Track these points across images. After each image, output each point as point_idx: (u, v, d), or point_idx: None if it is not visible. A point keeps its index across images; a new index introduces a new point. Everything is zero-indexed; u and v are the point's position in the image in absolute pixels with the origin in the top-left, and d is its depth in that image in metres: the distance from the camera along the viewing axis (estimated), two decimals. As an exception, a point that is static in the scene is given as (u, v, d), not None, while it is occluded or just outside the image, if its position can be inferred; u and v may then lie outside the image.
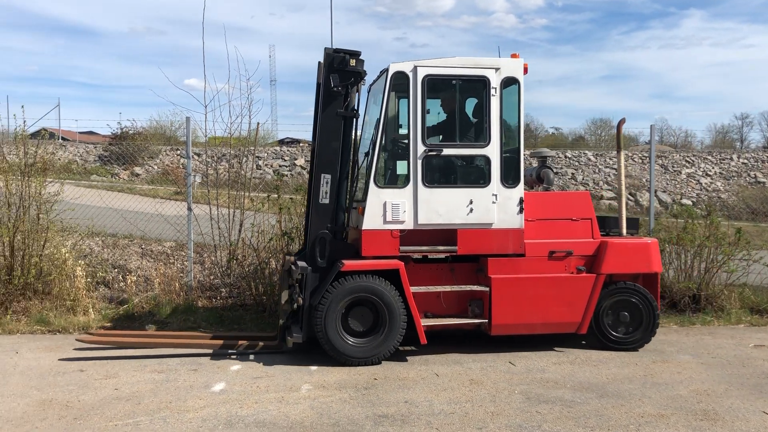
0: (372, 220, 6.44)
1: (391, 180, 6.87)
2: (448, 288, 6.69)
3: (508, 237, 6.65)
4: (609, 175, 26.75)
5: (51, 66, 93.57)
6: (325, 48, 6.62)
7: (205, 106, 9.08)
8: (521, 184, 6.74)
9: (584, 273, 6.83)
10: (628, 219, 7.51)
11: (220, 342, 6.89)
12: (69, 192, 9.48)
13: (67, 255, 8.67)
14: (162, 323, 8.03)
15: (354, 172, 7.15)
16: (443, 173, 6.80)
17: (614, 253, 6.84)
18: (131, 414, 4.93)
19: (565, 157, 28.12)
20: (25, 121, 8.76)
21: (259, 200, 9.53)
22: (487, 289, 6.59)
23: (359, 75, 6.59)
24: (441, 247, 6.60)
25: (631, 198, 24.92)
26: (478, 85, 6.77)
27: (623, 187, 7.66)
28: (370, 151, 6.66)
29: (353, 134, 6.92)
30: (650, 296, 6.95)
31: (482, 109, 6.75)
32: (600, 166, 27.43)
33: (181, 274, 9.11)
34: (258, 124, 10.63)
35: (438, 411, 5.02)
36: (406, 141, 6.69)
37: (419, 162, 6.51)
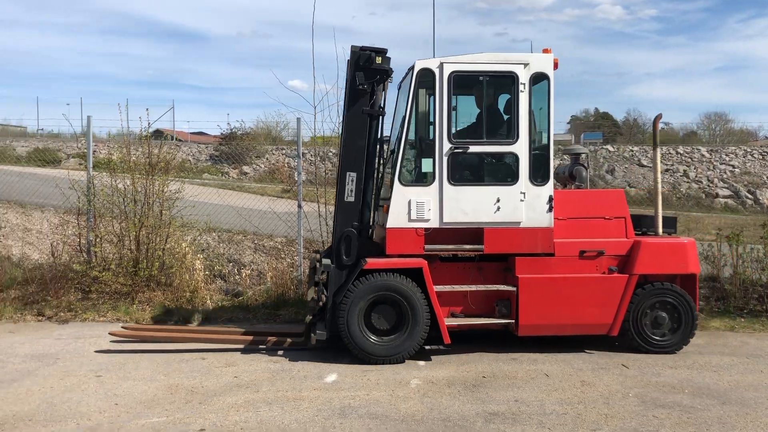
0: (396, 218, 6.41)
1: (417, 178, 6.75)
2: (474, 287, 6.58)
3: (537, 236, 6.50)
4: (725, 172, 25.28)
5: (165, 70, 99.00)
6: (352, 46, 6.61)
7: (314, 107, 9.35)
8: (551, 182, 6.58)
9: (616, 273, 6.62)
10: (664, 218, 7.25)
11: (251, 338, 6.96)
12: (185, 190, 10.04)
13: (186, 249, 9.20)
14: (274, 316, 8.37)
15: (381, 171, 7.15)
16: (470, 171, 6.70)
17: (648, 252, 6.61)
18: (251, 401, 5.19)
19: (676, 153, 26.81)
20: (149, 123, 9.39)
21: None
22: (515, 288, 6.46)
23: (385, 73, 6.58)
24: (467, 246, 6.49)
25: (750, 196, 23.45)
26: (506, 81, 6.67)
27: (659, 184, 7.36)
28: (396, 148, 6.67)
29: (380, 132, 6.89)
30: (688, 297, 6.66)
31: (511, 106, 6.63)
32: (715, 163, 25.96)
33: (291, 269, 9.45)
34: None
35: (549, 411, 4.96)
36: (432, 138, 6.61)
37: (445, 159, 6.43)
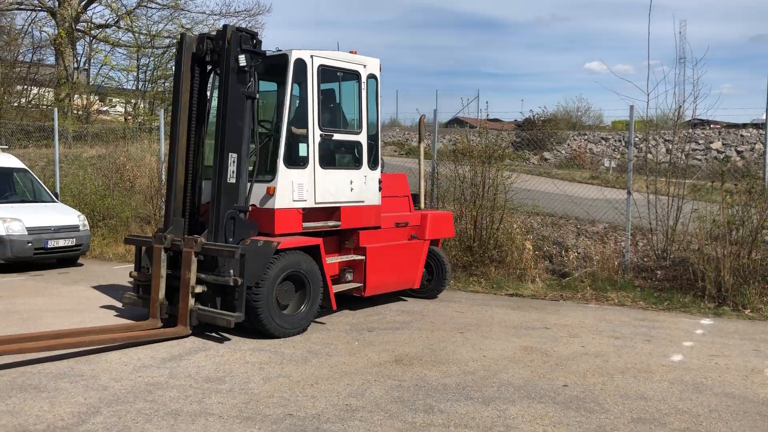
0: (283, 199, 6.86)
1: (296, 161, 7.06)
2: (341, 258, 7.61)
3: (373, 212, 7.81)
4: None
5: (465, 60, 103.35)
6: (228, 25, 6.71)
7: (647, 94, 9.44)
8: (380, 167, 7.88)
9: (416, 240, 8.44)
10: (414, 195, 8.97)
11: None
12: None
13: (516, 230, 10.04)
14: (603, 298, 8.76)
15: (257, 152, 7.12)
16: (333, 156, 7.54)
17: (433, 223, 8.64)
18: (602, 368, 5.72)
19: None
20: (488, 114, 10.33)
21: (693, 187, 9.57)
22: (363, 257, 7.56)
23: (261, 56, 6.84)
24: (331, 223, 7.39)
25: None
26: (353, 78, 7.63)
27: (422, 169, 9.48)
28: (275, 132, 7.06)
29: (256, 114, 7.12)
30: (443, 255, 8.87)
31: (356, 100, 7.64)
32: None
33: (616, 254, 9.71)
34: (679, 106, 10.56)
35: None
36: (306, 125, 7.05)
37: (316, 145, 7.10)
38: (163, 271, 6.71)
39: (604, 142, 28.27)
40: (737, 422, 4.52)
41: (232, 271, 6.38)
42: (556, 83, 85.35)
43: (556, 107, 38.16)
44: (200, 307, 6.49)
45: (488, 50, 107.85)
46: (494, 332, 6.99)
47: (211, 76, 7.19)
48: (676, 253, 9.15)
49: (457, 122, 38.68)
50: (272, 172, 6.91)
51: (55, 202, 11.89)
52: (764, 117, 10.49)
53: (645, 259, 9.62)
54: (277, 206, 6.84)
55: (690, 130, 28.58)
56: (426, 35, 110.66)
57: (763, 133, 10.14)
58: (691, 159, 25.25)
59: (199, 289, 6.46)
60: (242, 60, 6.58)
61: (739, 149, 25.72)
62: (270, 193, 6.85)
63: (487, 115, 35.91)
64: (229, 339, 6.52)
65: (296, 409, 4.65)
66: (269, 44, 8.21)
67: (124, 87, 27.71)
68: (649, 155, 11.99)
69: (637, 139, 12.70)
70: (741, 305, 8.10)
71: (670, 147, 10.26)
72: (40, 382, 5.14)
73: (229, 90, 6.63)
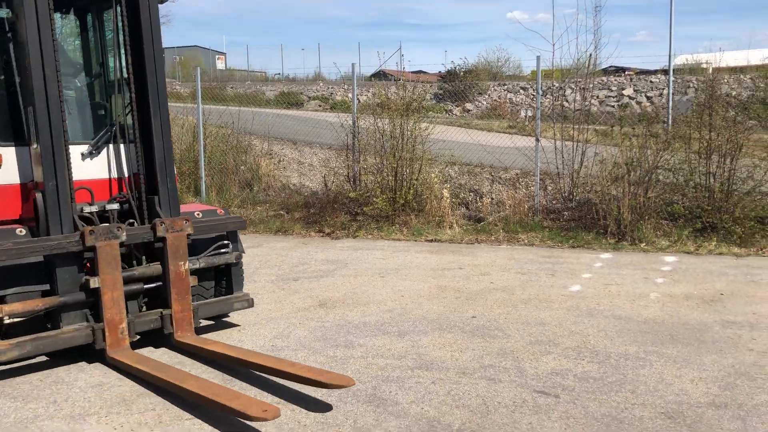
0: None
1: None
2: None
3: None
4: None
5: (389, 11, 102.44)
6: None
7: (553, 45, 9.96)
8: None
9: None
10: None
11: None
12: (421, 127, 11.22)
13: (435, 180, 10.50)
14: (514, 240, 9.37)
15: None
16: None
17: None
18: (508, 300, 6.28)
19: None
20: (404, 68, 10.66)
21: (598, 132, 10.24)
22: None
23: None
24: None
25: None
26: None
27: None
28: None
29: None
30: None
31: None
32: None
33: (527, 198, 10.34)
34: (590, 55, 11.19)
35: (788, 324, 5.40)
36: None
37: None
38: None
39: (523, 92, 29.12)
40: (620, 338, 5.13)
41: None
42: (478, 33, 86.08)
43: (477, 58, 38.81)
44: (204, 301, 5.48)
45: (411, 1, 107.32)
46: (412, 275, 7.45)
47: None
48: (580, 195, 9.84)
49: (381, 75, 38.83)
50: None
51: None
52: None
53: (553, 202, 10.28)
54: None
55: (604, 78, 29.83)
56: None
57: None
58: (605, 106, 26.47)
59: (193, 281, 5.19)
60: None
61: (648, 95, 27.02)
62: None
63: (404, 68, 36.19)
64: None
65: (224, 352, 4.96)
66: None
67: None
68: (566, 103, 12.62)
69: (555, 86, 13.33)
70: (638, 240, 8.85)
71: (578, 96, 10.84)
72: None
73: None
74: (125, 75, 5.25)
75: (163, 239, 4.96)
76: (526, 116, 20.98)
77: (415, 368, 4.56)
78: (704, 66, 24.99)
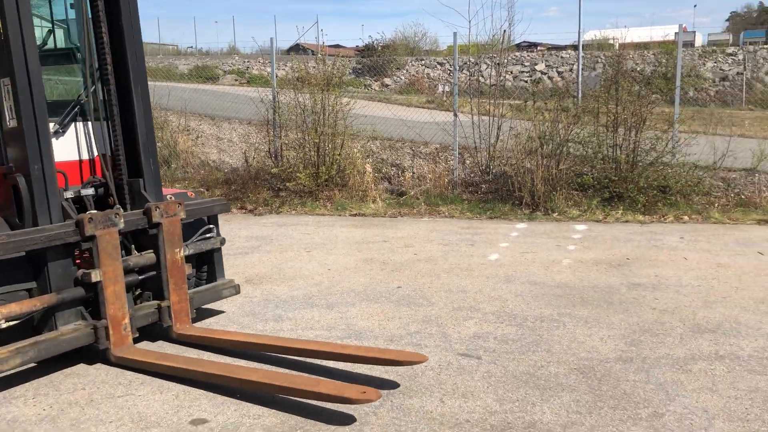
0: None
1: None
2: None
3: None
4: None
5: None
6: None
7: (469, 21, 10.20)
8: None
9: None
10: None
11: None
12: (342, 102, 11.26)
13: (357, 154, 10.62)
14: (435, 212, 9.64)
15: None
16: None
17: None
18: (431, 270, 6.51)
19: None
20: (324, 43, 10.64)
21: (513, 107, 10.62)
22: None
23: None
24: None
25: None
26: None
27: None
28: None
29: None
30: None
31: None
32: None
33: (447, 172, 10.62)
34: (504, 31, 11.53)
35: (686, 284, 5.87)
36: None
37: None
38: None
39: (440, 67, 29.50)
40: (536, 302, 5.45)
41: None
42: (395, 8, 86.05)
43: (395, 33, 38.91)
44: (196, 289, 5.12)
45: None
46: (338, 248, 7.57)
47: None
48: (497, 168, 10.19)
49: (299, 49, 38.36)
50: None
51: None
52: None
53: (471, 175, 10.61)
54: None
55: (518, 54, 30.60)
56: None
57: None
58: (519, 81, 27.23)
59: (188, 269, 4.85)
60: None
61: (560, 70, 27.95)
62: None
63: (323, 42, 35.92)
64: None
65: (152, 330, 4.94)
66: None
67: None
68: (481, 79, 12.91)
69: (471, 62, 13.61)
70: (551, 210, 9.29)
71: (493, 71, 11.16)
72: None
73: None
74: (98, 44, 4.66)
75: (158, 225, 4.54)
76: (443, 91, 21.36)
77: (345, 338, 4.70)
78: (611, 42, 26.04)
